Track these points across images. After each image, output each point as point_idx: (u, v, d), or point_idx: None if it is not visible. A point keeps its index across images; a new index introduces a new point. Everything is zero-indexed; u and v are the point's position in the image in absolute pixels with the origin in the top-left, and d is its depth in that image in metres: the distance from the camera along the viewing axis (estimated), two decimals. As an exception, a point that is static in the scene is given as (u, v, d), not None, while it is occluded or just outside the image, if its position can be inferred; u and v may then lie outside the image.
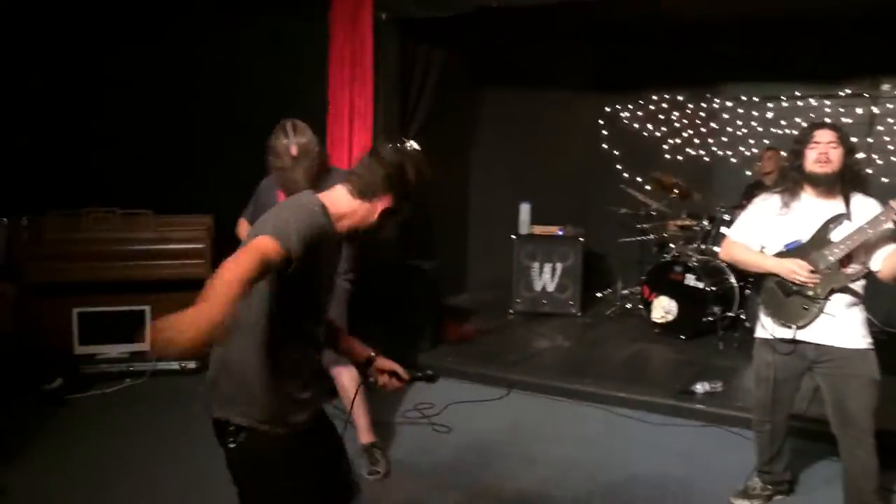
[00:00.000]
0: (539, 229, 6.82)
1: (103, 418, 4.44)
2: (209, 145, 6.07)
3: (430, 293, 5.61)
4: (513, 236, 6.80)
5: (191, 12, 5.92)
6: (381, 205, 2.08)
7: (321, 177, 3.72)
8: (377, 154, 2.09)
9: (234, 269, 1.68)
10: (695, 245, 6.27)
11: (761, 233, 3.22)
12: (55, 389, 4.76)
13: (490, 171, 7.76)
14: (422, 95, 5.78)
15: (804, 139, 3.10)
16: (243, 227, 4.04)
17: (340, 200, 2.08)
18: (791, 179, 3.16)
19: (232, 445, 2.02)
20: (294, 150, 3.62)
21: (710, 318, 5.81)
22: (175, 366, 5.20)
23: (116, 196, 5.51)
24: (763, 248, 3.21)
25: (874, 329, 5.94)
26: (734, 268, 5.54)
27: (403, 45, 5.58)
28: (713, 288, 5.80)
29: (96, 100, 5.86)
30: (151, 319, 5.25)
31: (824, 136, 3.05)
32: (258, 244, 1.80)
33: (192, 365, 5.23)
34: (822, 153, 3.02)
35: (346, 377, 3.71)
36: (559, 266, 6.72)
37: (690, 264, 5.93)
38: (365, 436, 3.77)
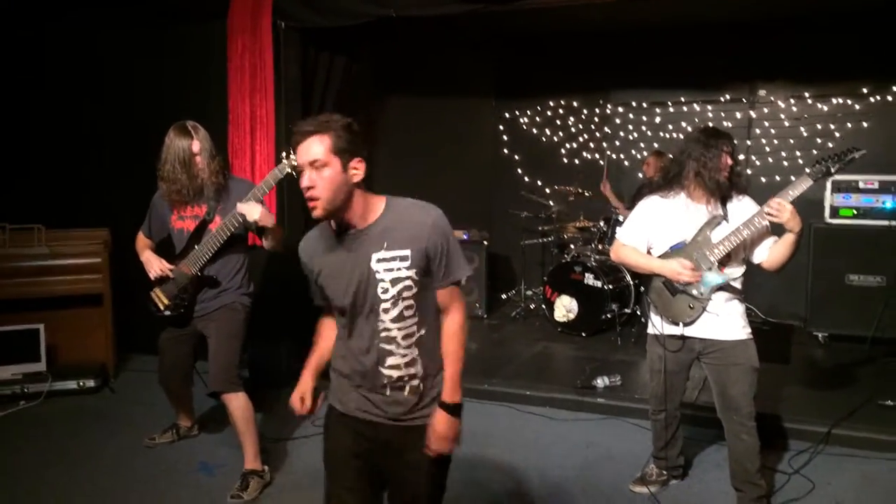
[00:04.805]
0: None
1: (-2, 444, 4.28)
2: (104, 155, 5.88)
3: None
4: (418, 241, 6.87)
5: (82, 10, 5.69)
6: None
7: (221, 184, 3.72)
8: None
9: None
10: (592, 245, 6.54)
11: (648, 235, 3.40)
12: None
13: (394, 177, 7.77)
14: (324, 104, 5.78)
15: (718, 148, 3.16)
16: (142, 242, 3.98)
17: None
18: (701, 183, 3.21)
19: None
20: (196, 147, 3.61)
21: (608, 316, 6.08)
22: (73, 385, 5.04)
23: (5, 211, 5.29)
24: (650, 248, 3.41)
25: (757, 320, 6.42)
26: (629, 266, 5.84)
27: (304, 54, 5.56)
28: (610, 286, 6.07)
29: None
30: (46, 337, 5.09)
31: (729, 147, 3.19)
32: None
33: (91, 383, 5.07)
34: (729, 164, 3.18)
35: (234, 403, 3.70)
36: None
37: (589, 264, 6.18)
38: (249, 462, 3.71)
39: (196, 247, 3.70)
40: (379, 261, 2.18)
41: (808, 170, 3.18)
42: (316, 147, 2.11)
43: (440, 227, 2.26)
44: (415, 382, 2.28)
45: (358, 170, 2.18)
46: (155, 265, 3.80)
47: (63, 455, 4.11)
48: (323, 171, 2.11)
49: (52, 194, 5.77)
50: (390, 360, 2.23)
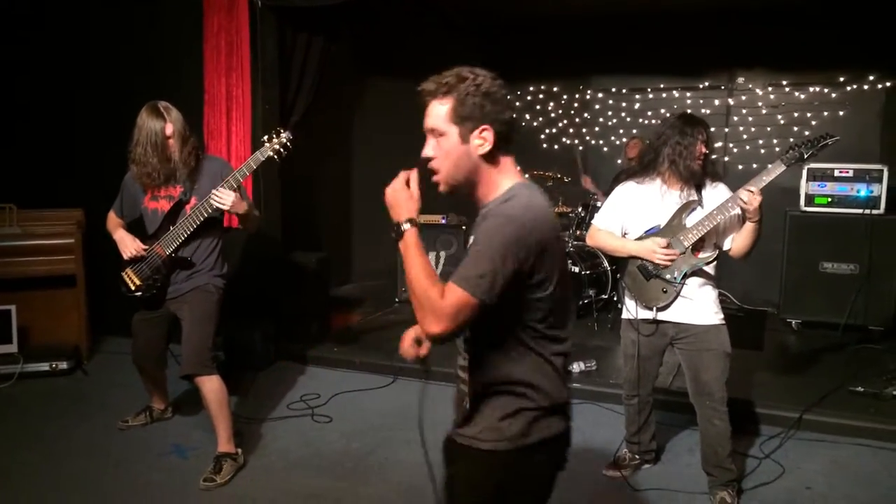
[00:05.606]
0: (422, 218, 6.78)
1: (-32, 426, 4.21)
2: (79, 133, 5.79)
3: (316, 285, 5.60)
4: (397, 225, 6.85)
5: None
6: None
7: (193, 165, 3.67)
8: None
9: None
10: (570, 231, 6.55)
11: (623, 219, 3.41)
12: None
13: (373, 160, 7.77)
14: (302, 85, 5.72)
15: (693, 136, 3.19)
16: (113, 221, 3.92)
17: None
18: (676, 170, 3.22)
19: None
20: (169, 130, 3.56)
21: (585, 301, 6.10)
22: (45, 367, 4.98)
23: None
24: (626, 234, 3.42)
25: (732, 307, 6.48)
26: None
27: (282, 34, 5.49)
28: (588, 272, 6.09)
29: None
30: (18, 318, 5.02)
31: (704, 135, 3.21)
32: None
33: (63, 365, 5.02)
34: (703, 152, 3.20)
35: (208, 386, 3.67)
36: (443, 254, 6.85)
37: (567, 250, 6.19)
38: (223, 444, 3.69)
39: (171, 228, 3.65)
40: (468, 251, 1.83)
41: (781, 157, 3.21)
42: (436, 113, 1.82)
43: (492, 227, 1.78)
44: (465, 395, 1.98)
45: (484, 141, 1.82)
46: (129, 245, 3.75)
47: (35, 437, 4.06)
48: (441, 142, 1.84)
49: (24, 173, 5.68)
50: (460, 360, 2.01)
